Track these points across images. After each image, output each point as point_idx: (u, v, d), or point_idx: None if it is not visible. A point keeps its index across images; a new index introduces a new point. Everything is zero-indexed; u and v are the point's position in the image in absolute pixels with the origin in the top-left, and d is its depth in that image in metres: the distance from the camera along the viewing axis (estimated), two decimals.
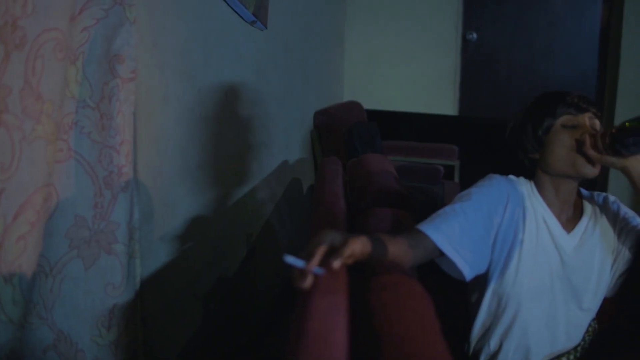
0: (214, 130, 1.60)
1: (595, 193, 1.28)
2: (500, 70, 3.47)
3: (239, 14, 1.69)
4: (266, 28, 1.91)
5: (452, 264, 1.13)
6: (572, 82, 3.40)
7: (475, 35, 3.38)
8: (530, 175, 1.25)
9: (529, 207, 1.20)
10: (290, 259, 0.79)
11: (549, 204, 1.20)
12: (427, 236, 1.09)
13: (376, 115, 3.19)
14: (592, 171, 1.13)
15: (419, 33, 3.42)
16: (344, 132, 2.59)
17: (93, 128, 1.07)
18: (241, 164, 1.85)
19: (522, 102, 1.28)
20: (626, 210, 1.23)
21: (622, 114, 3.18)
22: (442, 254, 1.11)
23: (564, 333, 1.20)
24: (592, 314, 1.24)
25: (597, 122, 1.17)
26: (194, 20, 1.43)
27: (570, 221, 1.22)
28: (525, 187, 1.23)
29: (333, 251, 0.83)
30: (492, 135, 2.38)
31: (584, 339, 1.24)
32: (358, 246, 0.86)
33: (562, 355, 1.21)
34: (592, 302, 1.21)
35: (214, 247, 1.65)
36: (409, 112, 3.37)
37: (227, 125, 1.70)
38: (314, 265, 0.80)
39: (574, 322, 1.21)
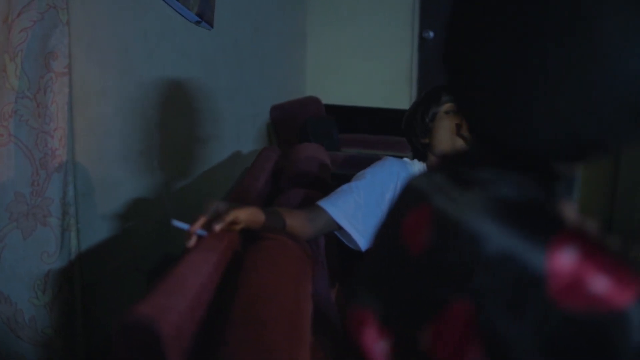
0: (157, 121, 1.76)
1: None
2: None
3: (182, 15, 1.84)
4: (212, 28, 2.06)
5: (349, 236, 1.30)
6: None
7: (431, 34, 3.55)
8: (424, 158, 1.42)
9: None
10: (176, 223, 0.96)
11: None
12: (325, 211, 1.26)
13: (337, 110, 3.35)
14: None
15: (377, 31, 3.58)
16: (299, 126, 2.75)
17: (30, 116, 1.23)
18: (188, 153, 2.01)
19: None
20: None
21: None
22: (340, 227, 1.28)
23: None
24: None
25: None
26: (133, 21, 1.58)
27: None
28: (418, 168, 1.39)
29: (218, 217, 1.00)
30: None
31: None
32: (242, 214, 1.03)
33: None
34: None
35: (160, 227, 1.80)
36: (368, 106, 3.54)
37: (171, 117, 1.85)
38: (197, 228, 0.96)
39: None
